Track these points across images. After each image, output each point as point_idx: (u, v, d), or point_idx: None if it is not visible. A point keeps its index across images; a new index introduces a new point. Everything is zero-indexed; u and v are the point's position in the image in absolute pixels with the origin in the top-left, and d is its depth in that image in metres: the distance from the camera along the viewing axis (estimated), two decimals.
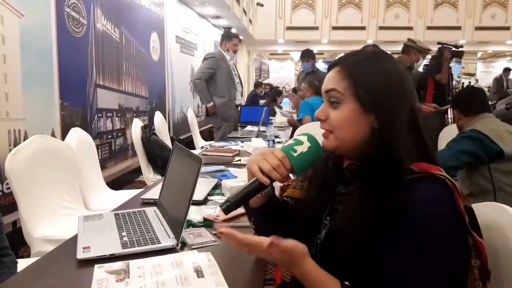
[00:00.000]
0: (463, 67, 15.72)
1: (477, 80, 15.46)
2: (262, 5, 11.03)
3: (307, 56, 5.13)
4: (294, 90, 5.77)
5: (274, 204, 1.03)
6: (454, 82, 5.26)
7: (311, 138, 0.92)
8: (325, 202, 0.95)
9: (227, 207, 0.91)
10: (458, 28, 11.33)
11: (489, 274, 0.81)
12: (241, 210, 1.39)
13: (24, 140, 2.17)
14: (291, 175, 0.95)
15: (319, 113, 0.90)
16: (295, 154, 0.90)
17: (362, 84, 0.85)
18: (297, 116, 4.47)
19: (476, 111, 2.25)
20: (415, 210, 0.77)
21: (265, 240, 0.76)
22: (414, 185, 0.80)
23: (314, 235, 0.95)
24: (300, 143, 0.91)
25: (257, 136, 3.37)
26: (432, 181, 0.80)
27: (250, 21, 10.30)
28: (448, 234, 0.77)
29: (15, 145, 2.30)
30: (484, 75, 16.90)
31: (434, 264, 0.76)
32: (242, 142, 3.09)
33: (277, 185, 1.11)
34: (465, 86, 14.33)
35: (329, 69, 0.93)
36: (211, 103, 4.47)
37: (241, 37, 4.98)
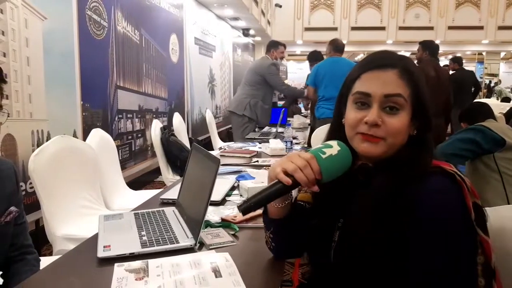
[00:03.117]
0: (486, 68, 15.37)
1: (500, 81, 15.07)
2: (280, 6, 11.01)
3: (312, 60, 5.09)
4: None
5: (294, 215, 1.02)
6: None
7: (341, 144, 0.89)
8: (336, 205, 0.94)
9: (246, 208, 0.87)
10: (481, 27, 11.08)
11: (494, 272, 0.81)
12: (259, 210, 1.39)
13: (47, 140, 2.21)
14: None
15: (376, 117, 0.85)
16: (323, 156, 0.87)
17: (420, 93, 0.87)
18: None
19: (482, 120, 2.31)
20: (422, 203, 0.79)
21: None
22: (424, 179, 0.82)
23: (327, 238, 0.94)
24: (329, 146, 0.88)
25: (275, 137, 3.37)
26: (441, 175, 0.82)
27: (269, 22, 10.29)
28: (454, 226, 0.79)
29: (38, 146, 2.34)
30: (508, 76, 16.49)
31: (440, 255, 0.77)
32: (260, 143, 3.10)
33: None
34: (487, 86, 14.05)
35: (375, 67, 0.88)
36: (305, 91, 4.60)
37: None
